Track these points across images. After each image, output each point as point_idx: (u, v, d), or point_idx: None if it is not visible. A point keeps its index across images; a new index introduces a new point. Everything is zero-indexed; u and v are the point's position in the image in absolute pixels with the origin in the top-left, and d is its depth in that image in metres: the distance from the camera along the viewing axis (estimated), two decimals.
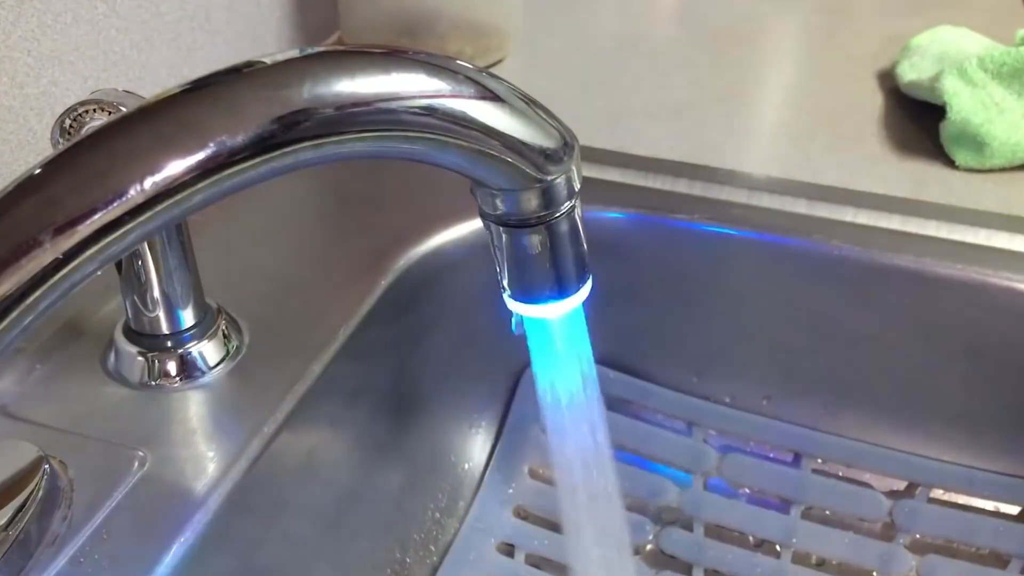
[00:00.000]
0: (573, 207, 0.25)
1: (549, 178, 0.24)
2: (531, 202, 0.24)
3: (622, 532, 0.37)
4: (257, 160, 0.20)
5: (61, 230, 0.18)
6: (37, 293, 0.19)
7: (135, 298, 0.38)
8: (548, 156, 0.24)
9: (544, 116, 0.24)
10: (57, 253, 0.18)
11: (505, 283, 0.27)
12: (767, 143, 0.56)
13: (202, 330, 0.39)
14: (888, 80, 0.63)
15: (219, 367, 0.39)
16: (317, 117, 0.20)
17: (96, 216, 0.19)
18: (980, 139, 0.52)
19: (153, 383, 0.38)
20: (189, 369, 0.38)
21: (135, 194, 0.19)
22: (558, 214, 0.25)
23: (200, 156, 0.19)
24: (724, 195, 0.51)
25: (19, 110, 0.45)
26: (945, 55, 0.60)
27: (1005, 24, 0.68)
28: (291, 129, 0.20)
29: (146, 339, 0.38)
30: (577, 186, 0.25)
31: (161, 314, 0.38)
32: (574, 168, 0.25)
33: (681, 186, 0.51)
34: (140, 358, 0.38)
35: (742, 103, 0.61)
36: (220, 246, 0.46)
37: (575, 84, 0.63)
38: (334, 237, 0.48)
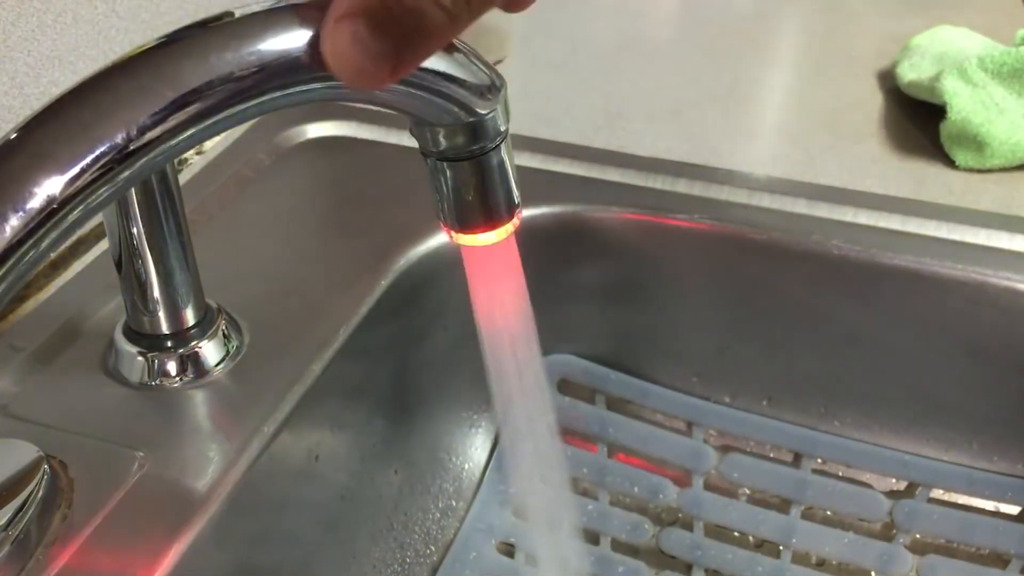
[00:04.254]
0: (503, 141, 0.29)
1: (483, 113, 0.27)
2: (468, 136, 0.28)
3: (559, 463, 0.39)
4: (233, 109, 0.22)
5: (53, 175, 0.20)
6: (32, 240, 0.20)
7: (135, 298, 0.38)
8: (482, 95, 0.27)
9: (477, 61, 0.27)
10: (51, 198, 0.20)
11: (442, 216, 0.30)
12: (767, 143, 0.56)
13: (202, 330, 0.39)
14: (888, 80, 0.63)
15: (219, 367, 0.39)
16: (285, 64, 0.22)
17: (86, 161, 0.20)
18: (980, 139, 0.52)
19: (153, 383, 0.38)
20: (189, 369, 0.38)
21: (121, 141, 0.21)
22: (491, 147, 0.28)
23: (178, 104, 0.21)
24: (724, 195, 0.51)
25: (19, 110, 0.45)
26: (945, 55, 0.60)
27: (1005, 24, 0.68)
28: (261, 77, 0.22)
29: (146, 339, 0.38)
30: (504, 125, 0.28)
31: (161, 314, 0.38)
32: (500, 108, 0.28)
33: (681, 186, 0.51)
34: (140, 358, 0.38)
35: (742, 103, 0.61)
36: (220, 246, 0.46)
37: (575, 84, 0.63)
38: (334, 237, 0.48)
